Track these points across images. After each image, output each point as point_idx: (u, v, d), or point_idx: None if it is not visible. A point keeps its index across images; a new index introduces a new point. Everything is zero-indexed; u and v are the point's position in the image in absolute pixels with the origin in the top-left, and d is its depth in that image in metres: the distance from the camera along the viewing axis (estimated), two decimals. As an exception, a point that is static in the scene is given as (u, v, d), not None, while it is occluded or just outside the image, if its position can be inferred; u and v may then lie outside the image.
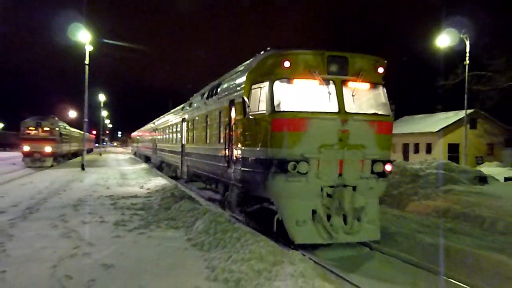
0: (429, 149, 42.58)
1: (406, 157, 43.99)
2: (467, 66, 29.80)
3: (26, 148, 32.53)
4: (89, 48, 30.19)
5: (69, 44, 31.56)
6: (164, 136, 28.69)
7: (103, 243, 8.60)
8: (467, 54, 29.39)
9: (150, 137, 39.44)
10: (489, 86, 36.46)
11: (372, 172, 9.16)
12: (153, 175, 26.20)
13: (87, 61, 30.32)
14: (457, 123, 39.78)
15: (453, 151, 40.10)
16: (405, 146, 46.40)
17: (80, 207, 13.11)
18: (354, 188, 9.00)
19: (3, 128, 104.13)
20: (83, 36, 29.49)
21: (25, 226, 10.10)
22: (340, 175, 8.90)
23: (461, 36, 29.12)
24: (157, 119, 35.79)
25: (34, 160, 32.30)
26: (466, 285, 7.16)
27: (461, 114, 35.89)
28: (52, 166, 33.17)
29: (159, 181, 20.99)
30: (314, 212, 8.82)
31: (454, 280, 7.35)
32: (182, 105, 23.18)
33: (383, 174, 9.29)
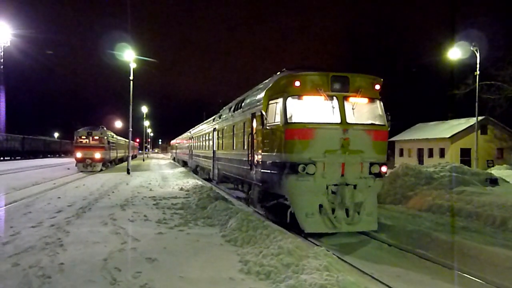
0: (442, 154, 41.62)
1: (420, 161, 43.09)
2: (477, 77, 29.14)
3: (79, 154, 33.23)
4: (133, 65, 30.69)
5: (116, 62, 32.23)
6: (199, 144, 29.41)
7: (147, 239, 8.71)
8: (478, 66, 28.74)
9: (186, 144, 40.15)
10: (498, 94, 35.66)
11: (370, 173, 9.83)
12: (190, 177, 26.41)
13: (131, 77, 30.89)
14: (469, 129, 38.85)
15: (465, 155, 39.13)
16: (420, 151, 45.49)
17: (126, 206, 13.28)
18: (354, 186, 9.68)
19: (58, 137, 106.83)
20: (128, 55, 30.02)
21: (79, 224, 10.30)
22: (342, 175, 9.64)
23: (472, 48, 28.52)
24: (193, 128, 36.64)
25: (86, 165, 32.93)
26: (477, 278, 7.02)
27: (472, 121, 35.09)
28: (101, 170, 33.78)
29: (195, 183, 21.16)
30: (320, 206, 9.55)
31: (465, 273, 7.20)
32: (213, 117, 24.04)
33: (379, 175, 9.98)
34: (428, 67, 47.28)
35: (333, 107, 9.82)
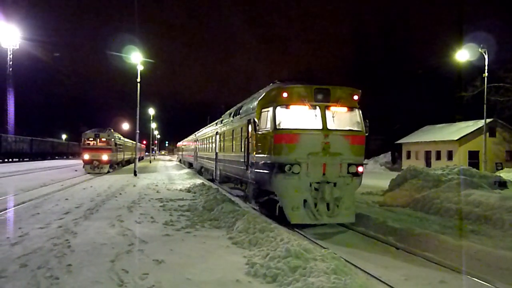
0: (450, 156, 41.33)
1: (428, 163, 42.81)
2: (485, 79, 28.95)
3: (86, 156, 33.39)
4: (140, 67, 30.83)
5: (123, 65, 32.43)
6: (203, 146, 30.62)
7: (154, 241, 8.75)
8: (486, 67, 28.54)
9: (192, 147, 40.95)
10: (507, 96, 35.40)
11: (348, 172, 11.08)
12: (196, 179, 26.52)
13: (138, 79, 31.00)
14: (477, 132, 38.53)
15: (473, 158, 38.83)
16: (427, 153, 45.20)
17: (133, 208, 13.35)
18: (334, 184, 10.96)
19: (65, 139, 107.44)
20: (135, 57, 30.19)
21: (87, 225, 10.36)
22: (323, 174, 10.92)
23: (480, 50, 28.35)
24: (197, 131, 37.69)
25: (93, 167, 33.08)
26: (485, 281, 6.96)
27: (480, 123, 34.83)
28: (108, 172, 33.95)
29: (201, 185, 21.17)
30: (305, 201, 10.83)
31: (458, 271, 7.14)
32: (216, 121, 25.64)
33: (356, 174, 11.20)
34: (435, 69, 46.79)
35: (316, 115, 11.15)
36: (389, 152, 55.29)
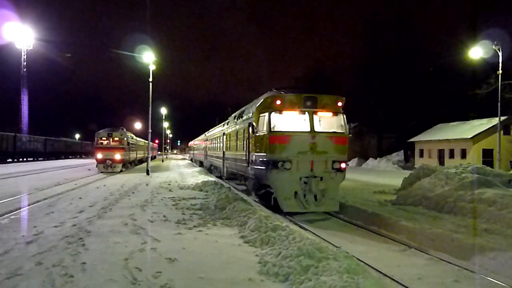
0: (463, 155, 40.83)
1: (441, 162, 42.32)
2: (500, 76, 28.54)
3: (99, 155, 33.67)
4: (152, 67, 30.97)
5: (136, 64, 32.69)
6: (212, 145, 32.51)
7: (167, 239, 8.79)
8: (500, 64, 28.15)
9: (202, 146, 42.23)
10: (522, 94, 34.81)
11: (333, 168, 12.83)
12: (207, 177, 26.58)
13: (150, 79, 31.16)
14: (491, 130, 38.01)
15: (487, 156, 38.32)
16: (441, 152, 44.70)
17: (146, 207, 13.43)
18: (321, 178, 12.69)
19: (79, 139, 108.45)
20: (148, 57, 30.34)
21: (100, 224, 10.44)
22: (311, 170, 12.65)
23: (494, 47, 27.97)
24: (207, 132, 39.42)
25: (106, 166, 33.35)
26: (500, 281, 6.88)
27: (494, 121, 34.35)
28: (121, 171, 34.19)
29: (213, 184, 21.19)
30: (295, 192, 12.61)
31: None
32: (223, 123, 27.90)
33: (340, 170, 12.98)
34: (449, 66, 46.21)
35: (305, 120, 12.84)
36: (402, 151, 54.80)
